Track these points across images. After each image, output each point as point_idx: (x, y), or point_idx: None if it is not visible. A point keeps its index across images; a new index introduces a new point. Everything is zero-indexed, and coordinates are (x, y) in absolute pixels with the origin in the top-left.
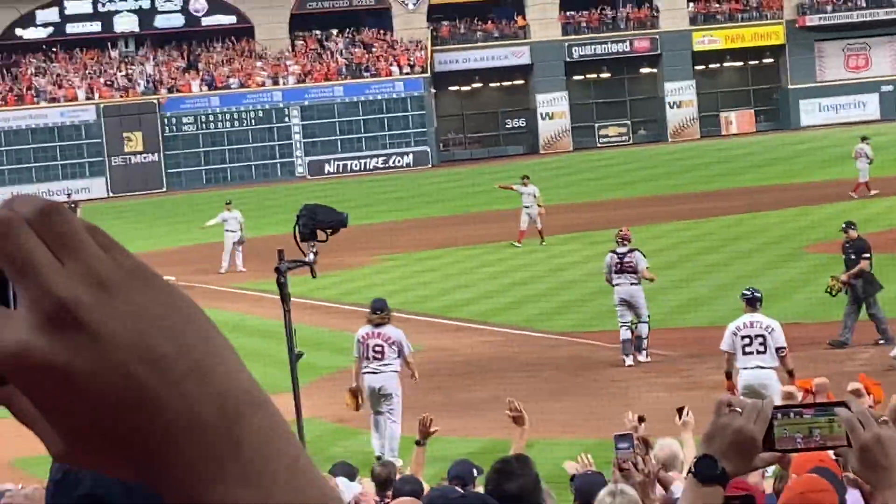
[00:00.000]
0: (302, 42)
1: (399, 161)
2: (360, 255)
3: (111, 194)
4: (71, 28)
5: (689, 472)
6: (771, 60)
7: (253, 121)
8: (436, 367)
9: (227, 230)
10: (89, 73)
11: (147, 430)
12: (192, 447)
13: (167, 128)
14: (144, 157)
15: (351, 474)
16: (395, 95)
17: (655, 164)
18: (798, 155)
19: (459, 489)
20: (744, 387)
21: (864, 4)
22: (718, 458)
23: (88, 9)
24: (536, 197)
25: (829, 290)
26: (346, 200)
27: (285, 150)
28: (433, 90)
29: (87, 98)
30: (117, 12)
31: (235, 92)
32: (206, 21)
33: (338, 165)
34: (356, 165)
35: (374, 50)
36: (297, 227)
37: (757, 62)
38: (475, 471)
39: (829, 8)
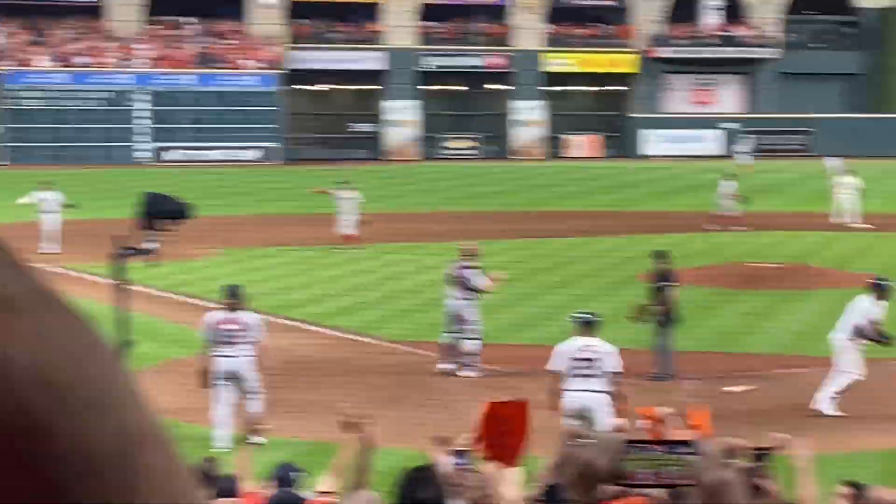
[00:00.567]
0: (156, 27)
1: (245, 155)
2: (197, 246)
3: None
4: None
5: (538, 500)
6: (620, 88)
7: (99, 102)
8: (266, 365)
9: (44, 211)
10: None
11: (37, 460)
12: (85, 482)
13: (9, 101)
14: None
15: None
16: (246, 89)
17: (499, 180)
18: (638, 184)
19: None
20: (571, 409)
21: (715, 42)
22: (565, 487)
23: None
24: (356, 202)
25: (634, 317)
26: (189, 190)
27: (130, 134)
28: (285, 87)
29: None
30: None
31: (82, 70)
32: None
33: (183, 154)
34: (202, 156)
35: (229, 41)
36: (139, 214)
37: (606, 88)
38: (297, 473)
39: (680, 42)
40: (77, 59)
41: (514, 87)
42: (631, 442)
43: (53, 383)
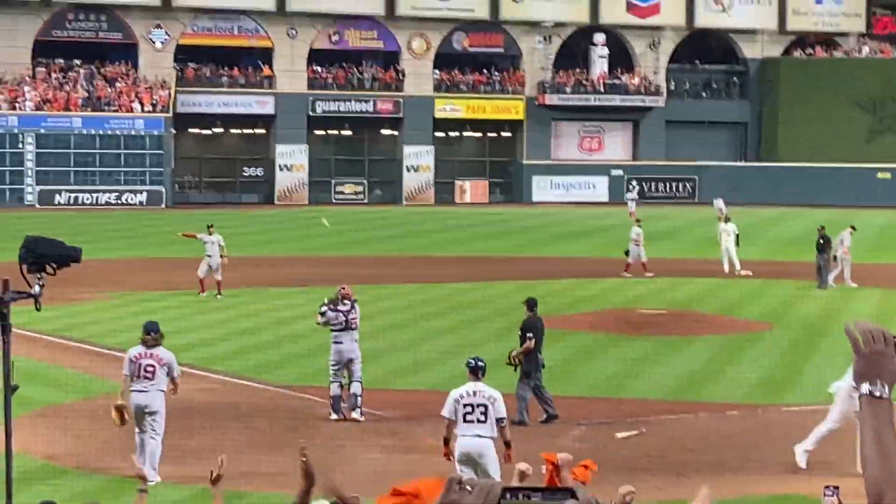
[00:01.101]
0: (44, 69)
1: (132, 199)
2: (84, 290)
3: None
4: None
5: None
6: (509, 134)
7: None
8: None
9: None
10: None
11: None
12: None
13: None
14: None
15: None
16: (134, 132)
17: (388, 225)
18: (528, 229)
19: None
20: (461, 454)
21: (601, 90)
22: None
23: None
24: (221, 247)
25: (508, 363)
26: (76, 233)
27: (16, 176)
28: (173, 130)
29: None
30: None
31: None
32: None
33: (69, 197)
34: (88, 199)
35: (117, 85)
36: (22, 258)
37: (495, 135)
38: None
39: (568, 89)
40: None
41: (404, 133)
42: (507, 489)
43: None
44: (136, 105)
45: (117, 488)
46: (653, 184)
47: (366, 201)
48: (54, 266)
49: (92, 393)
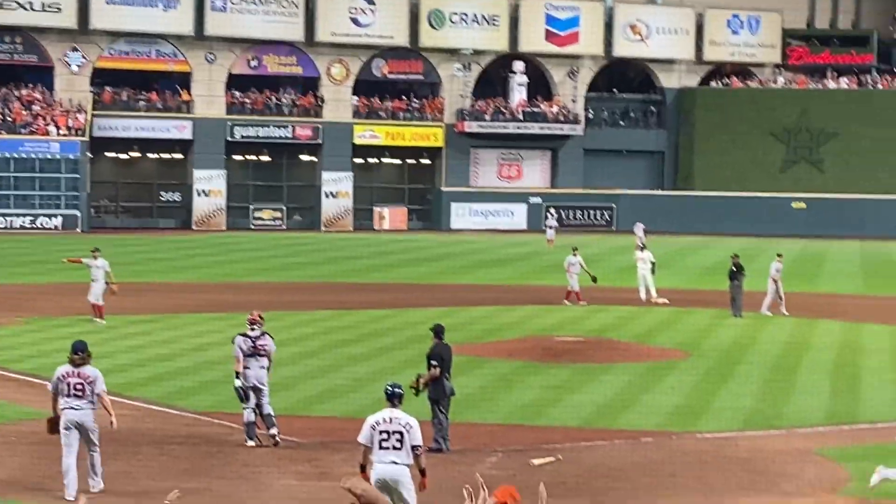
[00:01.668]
0: None
1: (47, 223)
2: None
3: None
4: None
5: None
6: (428, 161)
7: None
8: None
9: None
10: None
11: None
12: None
13: None
14: None
15: None
16: (49, 156)
17: (306, 251)
18: (447, 257)
19: None
20: (377, 480)
21: (520, 117)
22: None
23: None
24: (108, 273)
25: (411, 388)
26: None
27: None
28: (90, 154)
29: None
30: None
31: None
32: None
33: None
34: (2, 223)
35: (33, 108)
36: None
37: (415, 161)
38: None
39: (487, 117)
40: None
41: (323, 159)
42: None
43: None
44: (52, 128)
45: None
46: (571, 212)
47: (284, 227)
48: None
49: (2, 419)
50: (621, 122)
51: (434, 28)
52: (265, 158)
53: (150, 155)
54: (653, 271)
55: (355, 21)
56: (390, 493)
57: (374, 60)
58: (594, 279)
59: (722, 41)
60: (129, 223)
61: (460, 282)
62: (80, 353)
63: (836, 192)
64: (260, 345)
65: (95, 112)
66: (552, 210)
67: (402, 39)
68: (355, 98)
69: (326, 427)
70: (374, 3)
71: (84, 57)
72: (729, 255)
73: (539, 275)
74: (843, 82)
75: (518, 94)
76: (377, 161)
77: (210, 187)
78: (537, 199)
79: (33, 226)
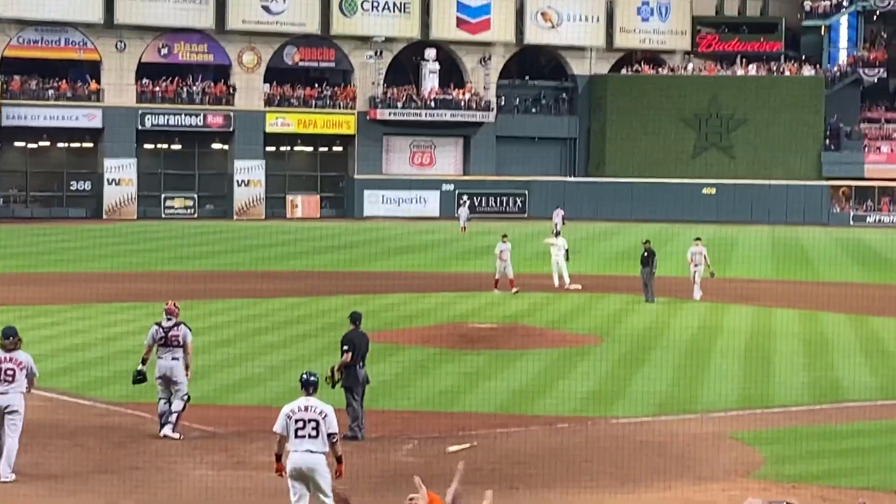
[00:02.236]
0: None
1: None
2: None
3: None
4: None
5: None
6: (340, 149)
7: None
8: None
9: None
10: None
11: None
12: None
13: None
14: None
15: None
16: None
17: (219, 239)
18: (360, 244)
19: None
20: (292, 469)
21: (432, 105)
22: None
23: None
24: None
25: (326, 380)
26: None
27: None
28: None
29: None
30: None
31: None
32: None
33: None
34: None
35: None
36: None
37: (327, 149)
38: None
39: (399, 104)
40: None
41: (235, 147)
42: None
43: None
44: None
45: None
46: (483, 199)
47: (196, 216)
48: None
49: None
50: (533, 109)
51: (345, 15)
52: (176, 147)
53: (59, 144)
54: (566, 258)
55: (266, 8)
56: (306, 482)
57: (285, 48)
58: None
59: (632, 28)
60: (38, 213)
61: (373, 269)
62: (11, 338)
63: (746, 177)
64: (172, 335)
65: (4, 101)
66: (465, 197)
67: (313, 27)
68: (267, 86)
69: (242, 416)
70: None
71: None
72: (641, 241)
73: (453, 262)
74: (752, 69)
75: (430, 81)
76: (289, 149)
77: (121, 176)
78: (450, 187)
79: None
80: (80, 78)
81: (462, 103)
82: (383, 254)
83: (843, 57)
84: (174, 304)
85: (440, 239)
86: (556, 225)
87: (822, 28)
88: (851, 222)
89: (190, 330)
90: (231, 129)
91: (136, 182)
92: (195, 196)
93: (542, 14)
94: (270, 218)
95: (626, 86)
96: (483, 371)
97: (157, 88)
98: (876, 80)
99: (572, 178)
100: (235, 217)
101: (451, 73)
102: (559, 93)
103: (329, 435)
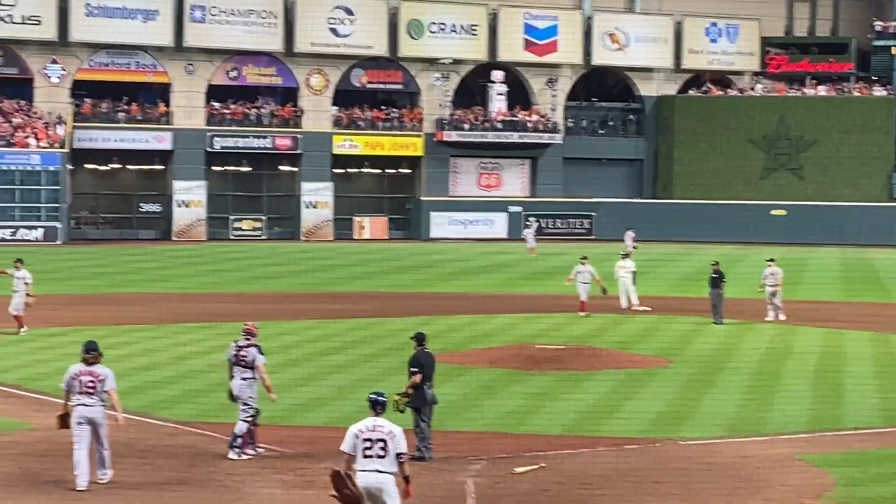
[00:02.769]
0: None
1: (28, 235)
2: None
3: None
4: None
5: None
6: (408, 171)
7: None
8: (46, 447)
9: None
10: None
11: None
12: None
13: None
14: None
15: None
16: (30, 168)
17: (287, 261)
18: (427, 266)
19: None
20: (362, 489)
21: (499, 126)
22: None
23: None
24: (28, 284)
25: (395, 406)
26: None
27: None
28: (70, 166)
29: None
30: None
31: None
32: None
33: None
34: None
35: (13, 120)
36: None
37: (394, 171)
38: None
39: (466, 126)
40: None
41: (303, 169)
42: None
43: None
44: (32, 140)
45: None
46: (550, 220)
47: (264, 237)
48: None
49: None
50: (600, 131)
51: (413, 38)
52: (245, 169)
53: (129, 166)
54: (633, 280)
55: (334, 31)
56: (374, 502)
57: (353, 70)
58: (604, 291)
59: (700, 49)
60: (109, 234)
61: (440, 291)
62: (92, 352)
63: (816, 199)
64: (242, 355)
65: (75, 124)
66: (531, 218)
67: (381, 49)
68: (334, 108)
69: (310, 436)
70: (352, 13)
71: (63, 69)
72: (709, 263)
73: (520, 283)
74: (822, 90)
75: (497, 103)
76: (357, 171)
77: (190, 198)
78: (517, 208)
79: (14, 238)
80: (151, 101)
81: (529, 125)
82: (450, 275)
83: None
84: (253, 325)
85: (507, 260)
86: (627, 247)
87: (893, 48)
88: None
89: (261, 351)
90: (299, 152)
91: (205, 204)
92: (263, 218)
93: (610, 35)
94: (338, 240)
95: (694, 107)
96: (550, 392)
97: (226, 111)
98: None
99: (639, 200)
100: (303, 239)
101: (519, 95)
102: (626, 114)
103: (397, 454)
